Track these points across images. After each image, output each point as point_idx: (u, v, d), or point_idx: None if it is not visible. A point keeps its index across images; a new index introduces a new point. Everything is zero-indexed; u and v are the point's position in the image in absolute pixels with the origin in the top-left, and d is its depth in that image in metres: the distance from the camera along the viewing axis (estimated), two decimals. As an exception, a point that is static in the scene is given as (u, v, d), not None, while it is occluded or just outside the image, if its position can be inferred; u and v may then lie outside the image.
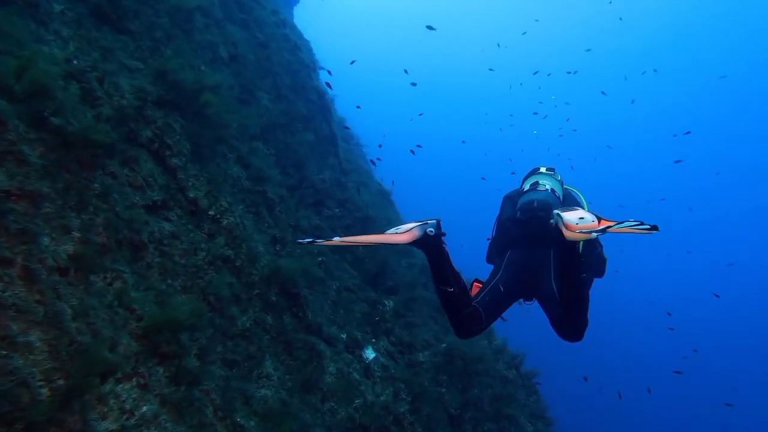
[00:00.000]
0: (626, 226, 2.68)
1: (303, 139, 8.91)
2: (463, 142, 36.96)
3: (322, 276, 7.05)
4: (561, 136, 39.84)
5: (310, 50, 13.67)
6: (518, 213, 3.88)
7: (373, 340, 7.15)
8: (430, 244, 3.22)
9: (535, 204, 3.78)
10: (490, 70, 33.77)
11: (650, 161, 57.48)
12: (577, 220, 2.85)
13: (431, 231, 3.18)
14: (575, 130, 40.61)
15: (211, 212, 5.17)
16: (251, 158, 6.77)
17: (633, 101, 44.59)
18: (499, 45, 33.58)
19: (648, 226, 2.61)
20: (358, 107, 15.21)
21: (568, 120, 39.83)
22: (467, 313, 3.47)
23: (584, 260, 3.52)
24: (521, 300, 3.97)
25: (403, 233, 3.08)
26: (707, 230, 55.68)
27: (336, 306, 7.00)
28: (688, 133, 35.83)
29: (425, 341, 7.76)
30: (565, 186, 4.25)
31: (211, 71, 7.08)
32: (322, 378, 5.63)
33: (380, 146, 18.11)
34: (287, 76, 10.00)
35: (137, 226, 4.24)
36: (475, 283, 3.87)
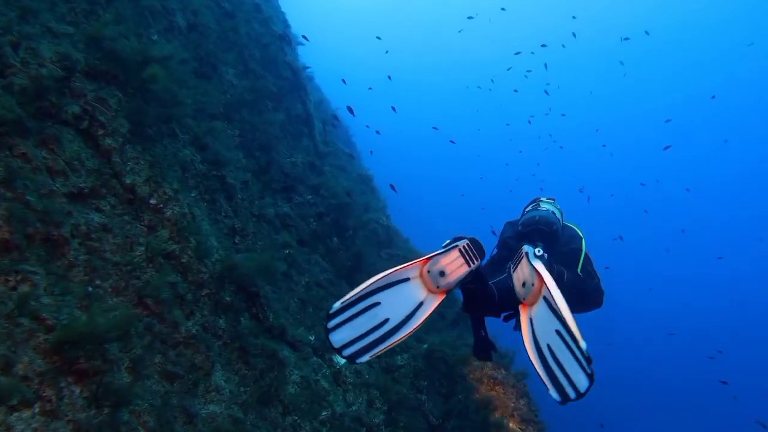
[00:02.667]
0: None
1: (272, 119, 8.37)
2: (451, 140, 36.62)
3: (288, 271, 6.57)
4: (547, 114, 39.63)
5: (285, 23, 13.08)
6: (520, 227, 4.20)
7: (346, 342, 6.70)
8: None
9: (537, 218, 4.12)
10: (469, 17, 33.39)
11: (644, 142, 57.23)
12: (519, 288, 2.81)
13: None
14: (564, 115, 40.39)
15: (152, 201, 4.65)
16: (208, 139, 6.23)
17: (622, 62, 44.20)
18: (470, 17, 33.11)
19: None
20: (343, 81, 14.75)
21: (563, 115, 39.51)
22: (484, 294, 3.39)
23: (580, 291, 3.83)
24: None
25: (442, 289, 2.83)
26: (707, 214, 55.74)
27: (304, 304, 6.53)
28: (669, 120, 35.59)
29: (405, 343, 7.30)
30: (564, 221, 4.48)
31: (164, 41, 6.54)
32: (284, 388, 5.17)
33: (363, 125, 17.68)
34: (257, 50, 9.44)
35: (56, 217, 3.72)
36: None
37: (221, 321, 4.93)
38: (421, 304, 2.82)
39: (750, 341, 41.15)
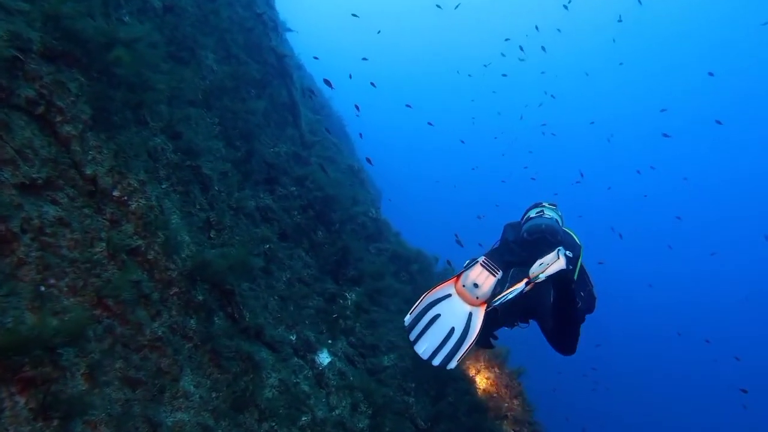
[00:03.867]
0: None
1: (255, 107, 8.09)
2: (429, 123, 36.51)
3: (268, 266, 6.32)
4: (541, 105, 39.55)
5: (271, 7, 12.73)
6: (525, 234, 4.48)
7: (330, 342, 6.46)
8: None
9: (543, 227, 4.41)
10: (438, 7, 33.28)
11: (641, 129, 57.01)
12: (470, 284, 3.38)
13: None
14: (553, 96, 40.31)
15: (115, 193, 4.38)
16: (182, 127, 5.96)
17: (614, 40, 43.96)
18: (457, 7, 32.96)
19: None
20: (315, 58, 14.46)
21: (552, 96, 39.36)
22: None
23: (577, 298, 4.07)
24: (519, 323, 4.59)
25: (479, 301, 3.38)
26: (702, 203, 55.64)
27: (285, 302, 6.28)
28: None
29: (391, 342, 7.08)
30: (563, 226, 4.82)
31: (137, 23, 6.26)
32: (260, 392, 4.93)
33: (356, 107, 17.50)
34: (239, 34, 9.14)
35: (2, 211, 3.45)
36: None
37: (192, 321, 4.68)
38: (470, 315, 3.31)
39: (755, 342, 41.01)
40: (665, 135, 33.80)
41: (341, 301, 7.13)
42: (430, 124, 28.07)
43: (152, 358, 4.14)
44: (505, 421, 7.81)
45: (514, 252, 4.67)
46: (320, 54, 16.06)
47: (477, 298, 3.32)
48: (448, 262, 9.98)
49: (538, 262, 3.41)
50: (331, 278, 7.51)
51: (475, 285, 3.32)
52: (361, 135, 17.00)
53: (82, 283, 3.84)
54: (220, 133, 7.38)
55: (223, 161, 7.03)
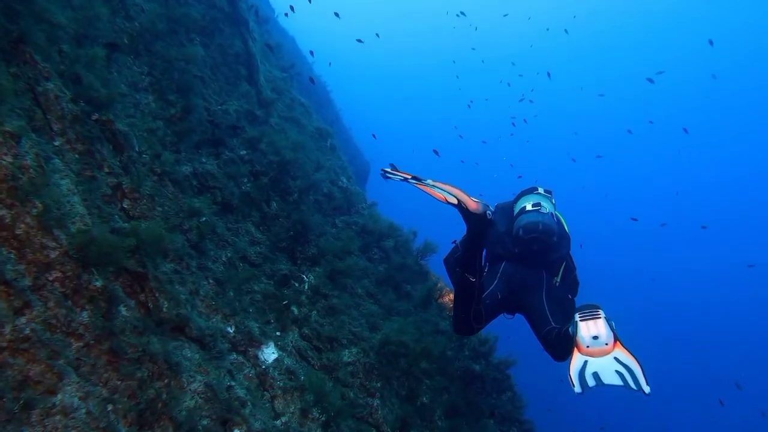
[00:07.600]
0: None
1: (193, 53, 7.13)
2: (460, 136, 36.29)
3: (201, 244, 5.46)
4: (521, 100, 39.17)
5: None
6: (521, 231, 4.60)
7: (278, 334, 5.62)
8: (483, 225, 3.61)
9: (541, 227, 4.50)
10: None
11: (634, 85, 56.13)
12: (590, 340, 3.32)
13: (490, 214, 3.64)
14: (532, 46, 39.83)
15: (-32, 148, 3.48)
16: (86, 71, 5.02)
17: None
18: None
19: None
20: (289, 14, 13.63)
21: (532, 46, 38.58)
22: (476, 309, 4.05)
23: (561, 284, 4.65)
24: (505, 314, 4.83)
25: (473, 200, 3.53)
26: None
27: (223, 286, 5.43)
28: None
29: (353, 334, 6.23)
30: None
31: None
32: (177, 401, 4.10)
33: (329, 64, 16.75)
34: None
35: None
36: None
37: (83, 315, 3.81)
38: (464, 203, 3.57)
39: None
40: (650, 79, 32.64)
41: (296, 285, 6.28)
42: (358, 41, 26.40)
43: (15, 364, 3.27)
44: (491, 421, 7.05)
45: (505, 245, 4.80)
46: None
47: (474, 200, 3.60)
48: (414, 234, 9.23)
49: (588, 334, 3.36)
50: (286, 257, 6.65)
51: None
52: (326, 63, 16.31)
53: None
54: (150, 84, 6.46)
55: (153, 118, 6.12)
